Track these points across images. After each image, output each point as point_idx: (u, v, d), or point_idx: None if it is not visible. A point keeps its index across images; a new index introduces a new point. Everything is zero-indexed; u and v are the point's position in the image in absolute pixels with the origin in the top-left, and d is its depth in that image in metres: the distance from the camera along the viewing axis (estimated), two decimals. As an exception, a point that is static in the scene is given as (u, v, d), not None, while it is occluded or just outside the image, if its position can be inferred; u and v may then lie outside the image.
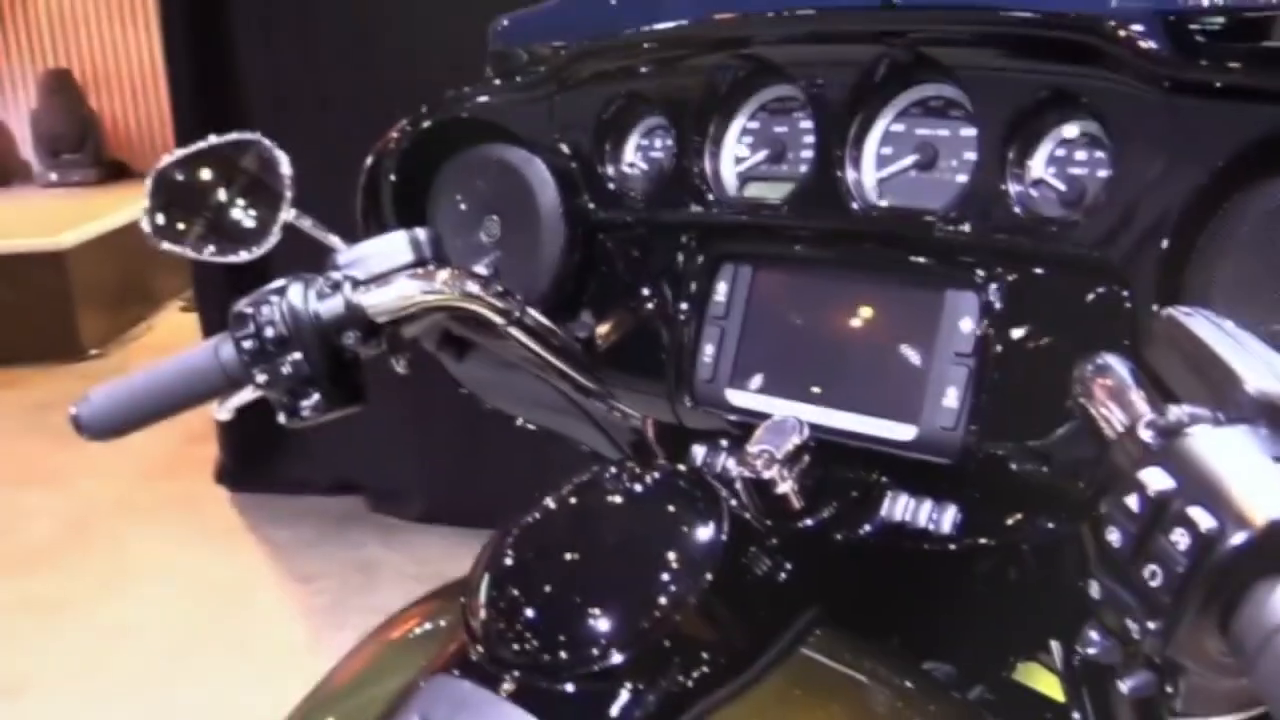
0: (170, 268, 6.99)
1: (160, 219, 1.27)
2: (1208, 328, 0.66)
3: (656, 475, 0.98)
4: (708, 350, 1.11)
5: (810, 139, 1.06)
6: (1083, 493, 0.88)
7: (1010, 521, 0.95)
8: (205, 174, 1.30)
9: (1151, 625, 0.58)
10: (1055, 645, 1.07)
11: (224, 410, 1.08)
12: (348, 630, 3.25)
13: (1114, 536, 0.60)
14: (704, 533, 0.89)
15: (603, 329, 1.22)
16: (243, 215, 1.30)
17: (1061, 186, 0.90)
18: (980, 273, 0.93)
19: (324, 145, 3.22)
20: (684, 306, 1.13)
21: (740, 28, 1.07)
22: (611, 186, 1.20)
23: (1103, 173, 0.89)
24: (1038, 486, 0.91)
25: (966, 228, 0.93)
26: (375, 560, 3.69)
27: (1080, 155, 0.90)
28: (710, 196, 1.11)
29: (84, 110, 8.62)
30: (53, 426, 5.03)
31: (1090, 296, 0.88)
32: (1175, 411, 0.62)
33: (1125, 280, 0.85)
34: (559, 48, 1.23)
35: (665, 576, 0.86)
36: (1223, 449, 0.58)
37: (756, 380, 1.08)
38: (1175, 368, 0.67)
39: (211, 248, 1.28)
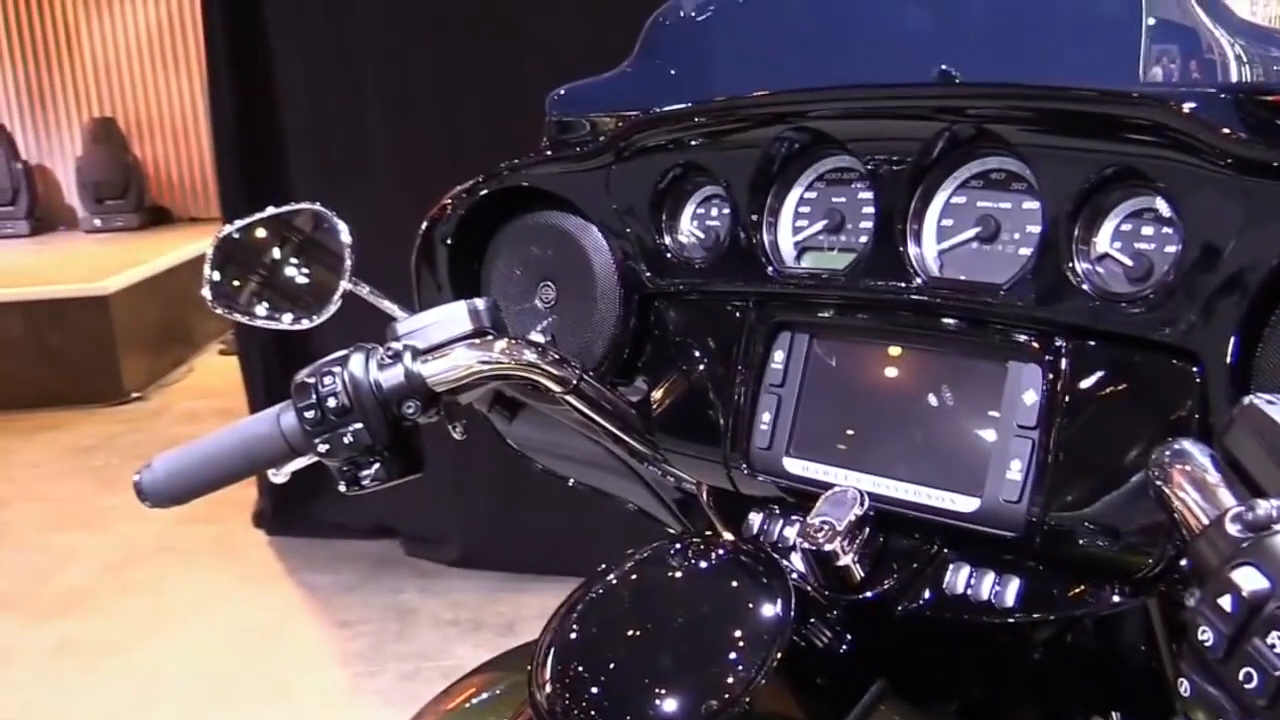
0: (210, 312, 7.05)
1: (221, 284, 1.29)
2: None
3: (721, 549, 0.97)
4: (764, 418, 1.10)
5: (869, 210, 1.05)
6: (1148, 567, 0.87)
7: (1072, 594, 0.93)
8: (266, 241, 1.32)
9: None
10: (1115, 716, 1.05)
11: (280, 474, 1.09)
12: (385, 676, 3.25)
13: (1206, 636, 0.59)
14: (771, 610, 0.88)
15: (657, 394, 1.22)
16: (303, 282, 1.31)
17: (1128, 262, 0.89)
18: (1044, 345, 0.93)
19: (366, 198, 3.29)
20: (740, 373, 1.12)
21: (799, 102, 1.07)
22: (668, 255, 1.20)
23: (1170, 249, 0.88)
24: (1101, 560, 0.90)
25: (1030, 301, 0.93)
26: (412, 606, 3.68)
27: (1147, 231, 0.89)
28: (768, 266, 1.11)
29: (127, 158, 8.76)
30: (94, 469, 5.12)
31: (1157, 372, 0.87)
32: (1264, 506, 0.60)
33: (1194, 357, 0.84)
34: (617, 118, 1.24)
35: (734, 655, 0.85)
36: None
37: (814, 449, 1.07)
38: (1258, 457, 0.66)
39: (272, 314, 1.29)
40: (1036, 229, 0.94)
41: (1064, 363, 0.91)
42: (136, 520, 4.38)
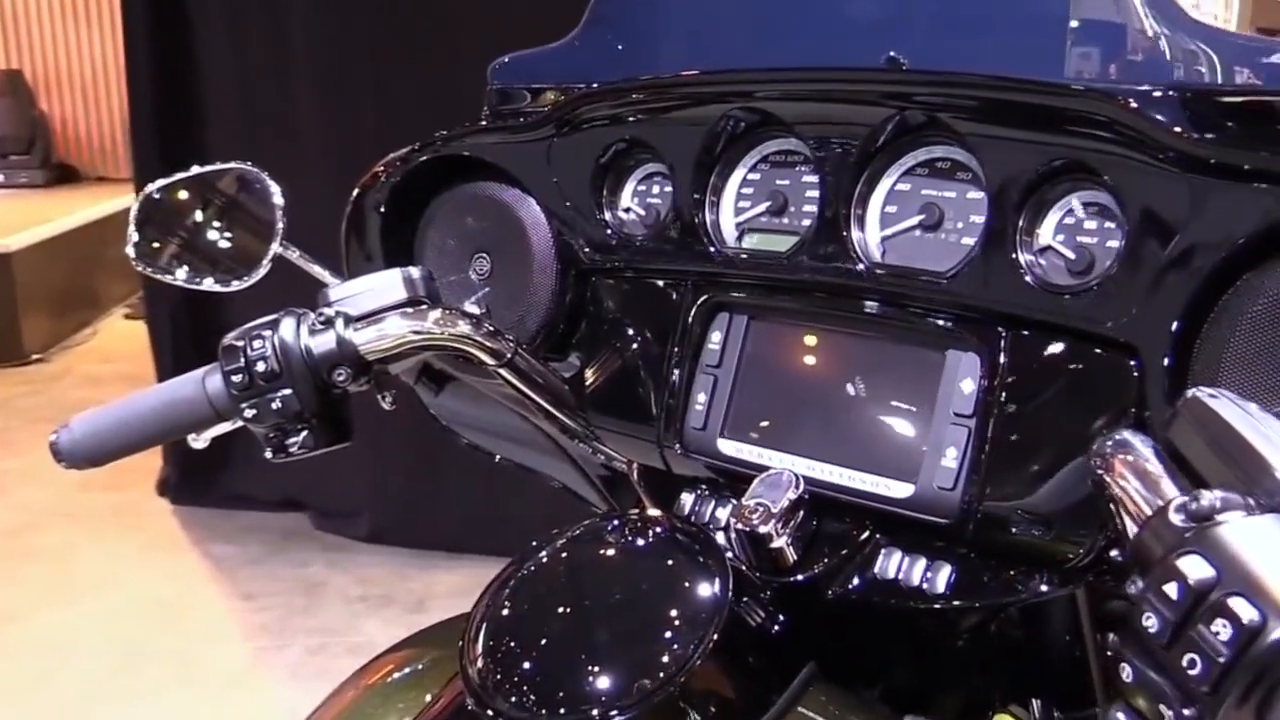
0: (115, 275, 6.89)
1: (146, 244, 1.25)
2: (1234, 411, 0.65)
3: (658, 527, 0.96)
4: (699, 398, 1.10)
5: (813, 193, 1.05)
6: (1079, 557, 0.88)
7: (1002, 582, 0.94)
8: (194, 201, 1.28)
9: (1187, 713, 0.58)
10: (1035, 703, 1.07)
11: (201, 440, 1.06)
12: (292, 650, 3.20)
13: (1151, 622, 0.59)
14: (708, 589, 0.87)
15: (591, 371, 1.21)
16: (232, 243, 1.28)
17: (1070, 255, 0.90)
18: (983, 334, 0.93)
19: (292, 160, 3.21)
20: (676, 353, 1.12)
21: (747, 82, 1.07)
22: (607, 231, 1.18)
23: (1113, 244, 0.88)
24: (1032, 549, 0.91)
25: (972, 291, 0.93)
26: (320, 580, 3.62)
27: (1090, 225, 0.90)
28: (709, 246, 1.10)
29: (34, 112, 8.47)
30: (-9, 430, 4.97)
31: (1096, 365, 0.88)
32: (1207, 497, 0.61)
33: (1133, 351, 0.85)
34: (561, 89, 1.22)
35: (670, 634, 0.84)
36: (1261, 539, 0.58)
37: (749, 431, 1.07)
38: (1200, 449, 0.67)
39: (198, 275, 1.27)
40: (980, 219, 0.95)
41: (1003, 353, 0.92)
42: (36, 485, 4.26)
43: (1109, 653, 0.64)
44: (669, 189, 1.15)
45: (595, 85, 1.17)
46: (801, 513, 0.98)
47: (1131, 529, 0.68)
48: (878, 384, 1.00)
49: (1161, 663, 0.59)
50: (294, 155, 3.39)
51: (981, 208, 0.94)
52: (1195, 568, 0.58)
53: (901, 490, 0.96)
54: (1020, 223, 0.91)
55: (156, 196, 1.27)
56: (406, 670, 1.18)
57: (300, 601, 3.49)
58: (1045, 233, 0.91)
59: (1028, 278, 0.90)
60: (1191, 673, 0.57)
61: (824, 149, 1.02)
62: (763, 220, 1.10)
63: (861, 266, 0.99)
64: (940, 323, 0.96)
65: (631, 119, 1.16)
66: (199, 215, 1.28)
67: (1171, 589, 0.58)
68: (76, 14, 8.70)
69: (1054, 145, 0.89)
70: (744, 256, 1.09)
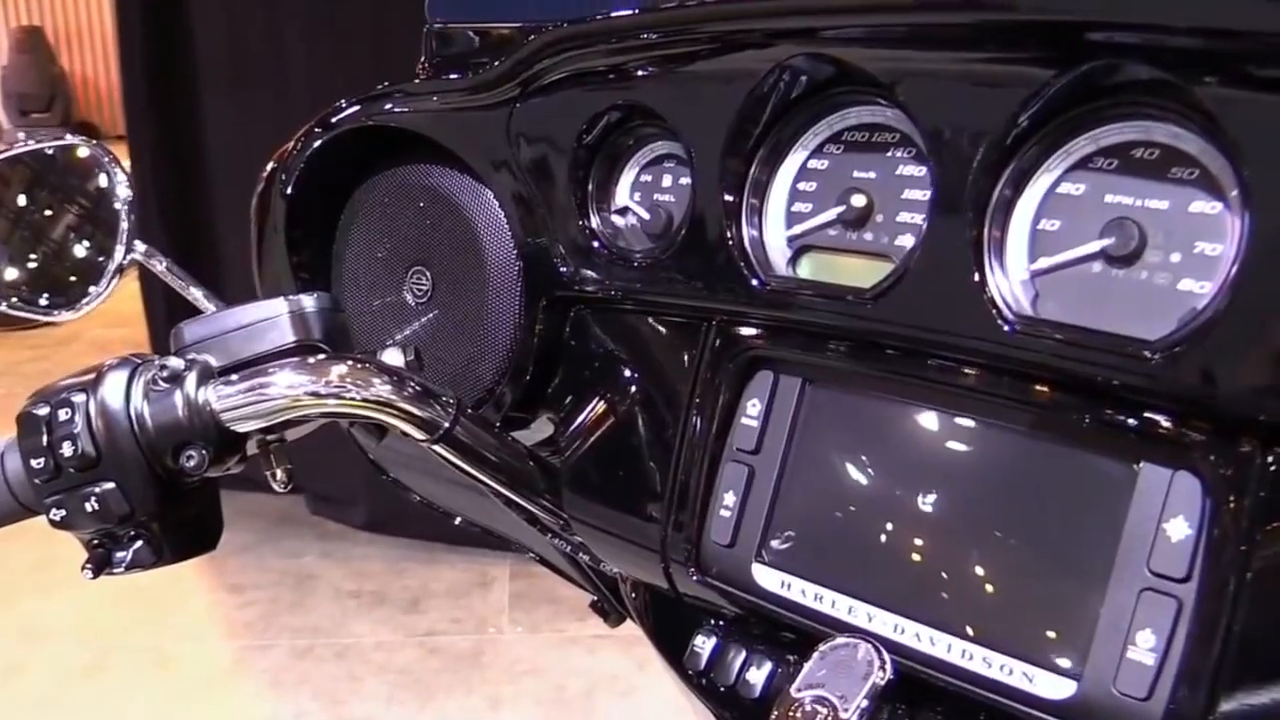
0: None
1: None
2: None
3: None
4: (727, 499, 0.69)
5: (918, 194, 0.63)
6: None
7: None
8: (19, 190, 0.89)
9: None
10: None
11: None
12: (275, 652, 2.85)
13: None
14: None
15: (569, 439, 0.80)
16: (69, 253, 0.89)
17: None
18: (1217, 448, 0.52)
19: (283, 122, 2.80)
20: (695, 428, 0.71)
21: (811, 12, 0.64)
22: (594, 242, 0.77)
23: None
24: None
25: (1202, 375, 0.51)
26: (312, 572, 3.26)
27: None
28: (745, 272, 0.68)
29: (54, 70, 8.10)
30: (-13, 399, 4.63)
31: None
32: None
33: None
34: (521, 29, 0.80)
35: None
36: None
37: (802, 558, 0.67)
38: None
39: (25, 297, 0.88)
40: (1220, 249, 0.53)
41: (1254, 481, 0.50)
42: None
43: None
44: (686, 181, 0.74)
45: (572, 21, 0.74)
46: (886, 711, 0.59)
47: None
48: (1015, 507, 0.59)
49: None
50: (284, 112, 3.00)
51: (1225, 231, 0.52)
52: None
53: (1054, 688, 0.57)
54: None
55: None
56: None
57: (289, 596, 3.13)
58: None
59: None
60: None
61: (942, 123, 0.60)
62: (831, 234, 0.68)
63: (1000, 323, 0.58)
64: (1135, 423, 0.55)
65: (629, 73, 0.74)
66: (26, 212, 0.89)
67: None
68: (99, -30, 8.32)
69: None
70: (800, 291, 0.67)
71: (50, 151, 0.88)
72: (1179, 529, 0.53)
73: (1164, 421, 0.54)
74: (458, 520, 1.11)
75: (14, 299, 0.87)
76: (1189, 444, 0.53)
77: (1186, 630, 0.53)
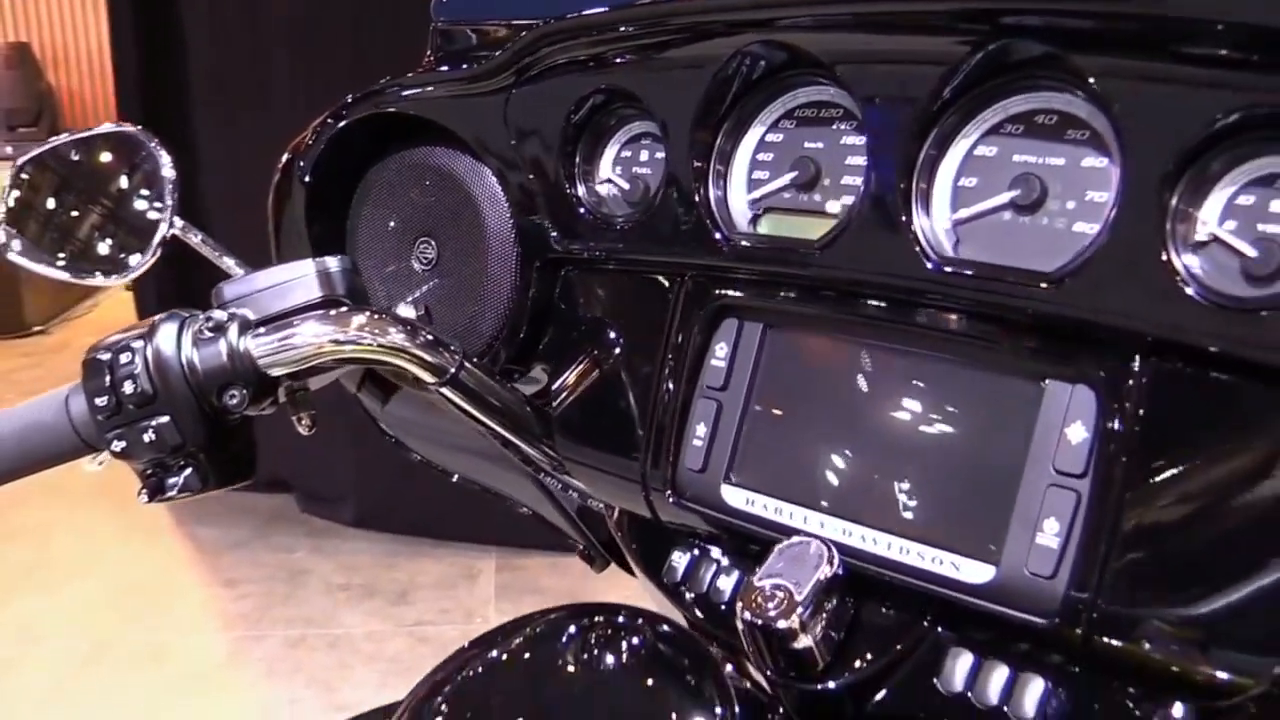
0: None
1: (20, 229, 0.98)
2: None
3: (634, 635, 0.66)
4: (699, 430, 0.79)
5: (858, 160, 0.73)
6: (1246, 688, 0.57)
7: (1120, 709, 0.63)
8: (71, 173, 1.00)
9: None
10: None
11: (94, 462, 0.81)
12: (269, 642, 2.91)
13: None
14: None
15: (561, 387, 0.89)
16: (117, 227, 0.99)
17: (1251, 252, 0.58)
18: (1106, 363, 0.62)
19: (270, 130, 2.88)
20: (669, 370, 0.81)
21: (768, 4, 0.74)
22: (582, 210, 0.87)
23: None
24: (1172, 670, 0.60)
25: (1090, 300, 0.61)
26: (303, 567, 3.33)
27: (1278, 207, 0.58)
28: (713, 231, 0.78)
29: (41, 85, 8.11)
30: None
31: None
32: None
33: None
34: (517, 26, 0.90)
35: None
36: None
37: (765, 477, 0.76)
38: None
39: (77, 266, 0.98)
40: (1105, 196, 0.63)
41: (1135, 387, 0.60)
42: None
43: None
44: (661, 155, 0.84)
45: (562, 17, 0.84)
46: (835, 598, 0.68)
47: None
48: (942, 423, 0.69)
49: None
50: (267, 122, 3.07)
51: (1107, 180, 0.63)
52: None
53: (977, 573, 0.66)
54: (1173, 202, 0.59)
55: (29, 171, 1.01)
56: None
57: (282, 589, 3.20)
58: (1209, 218, 0.59)
59: (1186, 286, 0.58)
60: None
61: (875, 98, 0.70)
62: (786, 197, 0.78)
63: (926, 263, 0.68)
64: (1039, 344, 0.65)
65: (611, 61, 0.84)
66: (77, 191, 0.99)
67: None
68: (84, -13, 8.34)
69: (1242, 88, 0.56)
70: (760, 246, 0.77)
71: (107, 137, 0.98)
72: (1077, 433, 0.63)
73: (1064, 343, 0.64)
74: (455, 478, 1.19)
75: (80, 268, 0.97)
76: (1084, 361, 0.63)
77: (1084, 518, 0.62)
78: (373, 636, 2.93)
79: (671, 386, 0.80)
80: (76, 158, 0.99)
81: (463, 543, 3.24)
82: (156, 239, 0.95)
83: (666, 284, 0.82)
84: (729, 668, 0.66)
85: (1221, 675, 0.58)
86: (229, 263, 0.96)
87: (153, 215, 0.96)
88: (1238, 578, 0.57)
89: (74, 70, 8.44)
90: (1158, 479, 0.60)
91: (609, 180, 0.88)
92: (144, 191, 0.96)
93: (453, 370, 0.82)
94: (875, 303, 0.72)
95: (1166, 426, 0.60)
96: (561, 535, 1.15)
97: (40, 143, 1.02)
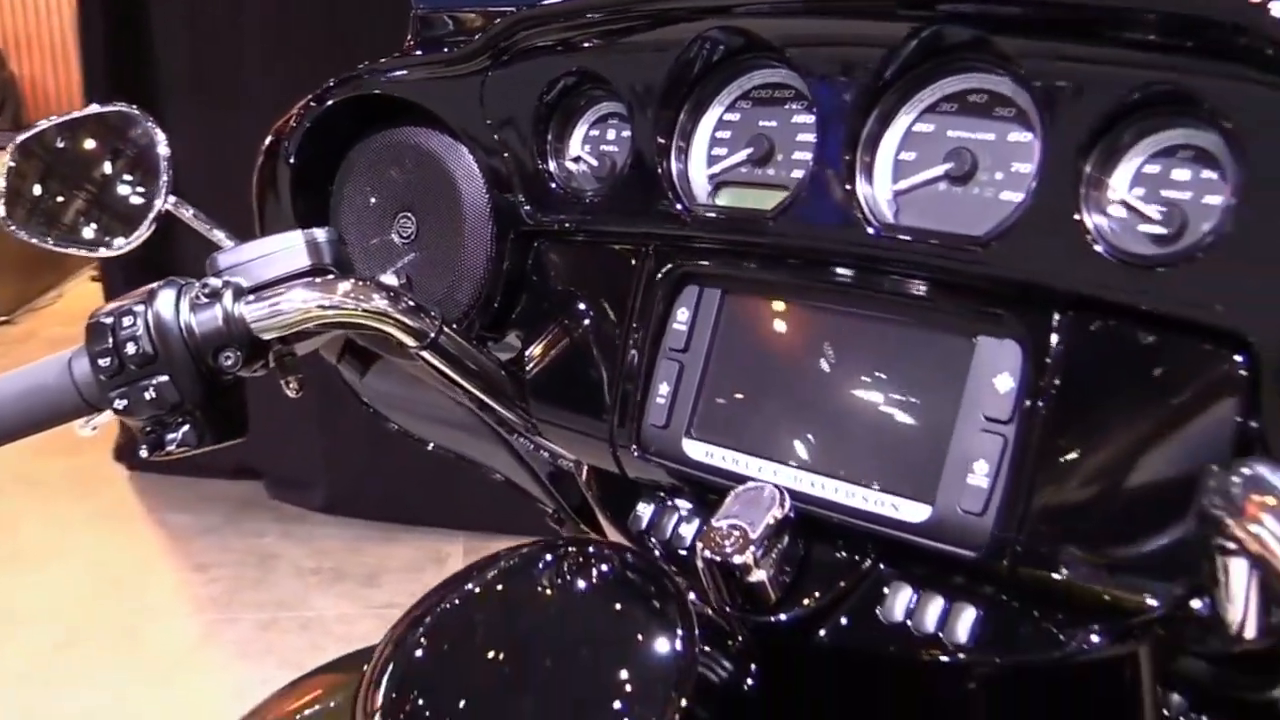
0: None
1: (16, 201, 1.03)
2: None
3: (604, 563, 0.72)
4: (662, 389, 0.85)
5: (807, 136, 0.80)
6: (1151, 609, 0.64)
7: (1042, 633, 0.69)
8: (73, 151, 1.06)
9: None
10: None
11: (87, 428, 0.87)
12: (241, 625, 2.95)
13: None
14: (667, 644, 0.66)
15: (533, 353, 0.95)
16: (115, 200, 1.04)
17: (1154, 215, 0.65)
18: (1028, 318, 0.68)
19: (240, 121, 2.91)
20: (635, 334, 0.87)
21: None
22: (553, 185, 0.93)
23: (1212, 200, 0.63)
24: (1086, 595, 0.67)
25: (1014, 260, 0.68)
26: (273, 552, 3.36)
27: (1180, 175, 0.65)
28: (675, 203, 0.85)
29: (4, 74, 8.04)
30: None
31: (1186, 361, 0.63)
32: None
33: (1241, 343, 0.61)
34: (492, 13, 0.95)
35: (620, 705, 0.62)
36: None
37: (722, 431, 0.82)
38: None
39: (70, 237, 1.04)
40: (1028, 167, 0.69)
41: (1054, 341, 0.67)
42: (-8, 447, 3.97)
43: None
44: (627, 133, 0.90)
45: (535, 4, 0.90)
46: (787, 537, 0.74)
47: None
48: (884, 377, 0.75)
49: None
50: (241, 117, 3.10)
51: (1030, 153, 0.69)
52: None
53: (915, 513, 0.72)
54: (1086, 170, 0.66)
55: (27, 148, 1.06)
56: (317, 707, 0.96)
57: (253, 574, 3.24)
58: (1119, 185, 0.66)
59: (1097, 245, 0.65)
60: None
61: (823, 79, 0.77)
62: (742, 171, 0.84)
63: (868, 229, 0.74)
64: (969, 301, 0.71)
65: (580, 46, 0.90)
66: (75, 168, 1.06)
67: None
68: (47, -24, 8.28)
69: (1143, 68, 0.63)
70: (718, 216, 0.83)
71: (103, 115, 1.03)
72: (1005, 383, 0.69)
73: (994, 302, 0.70)
74: (430, 446, 1.25)
75: (74, 238, 1.02)
76: (1011, 318, 0.69)
77: (1009, 460, 0.69)
78: (343, 619, 2.97)
79: (636, 349, 0.86)
80: (78, 136, 1.04)
81: (431, 527, 3.28)
82: (153, 213, 1.01)
83: (632, 254, 0.88)
84: (691, 595, 0.72)
85: (1130, 599, 0.64)
86: (219, 235, 1.01)
87: (148, 191, 1.01)
88: (1143, 512, 0.64)
89: (37, 58, 8.37)
90: (1075, 424, 0.66)
91: (579, 157, 0.93)
92: (142, 168, 1.02)
93: (433, 335, 0.88)
94: (824, 268, 0.78)
95: (1083, 376, 0.66)
96: (531, 499, 1.21)
97: (31, 126, 1.07)
